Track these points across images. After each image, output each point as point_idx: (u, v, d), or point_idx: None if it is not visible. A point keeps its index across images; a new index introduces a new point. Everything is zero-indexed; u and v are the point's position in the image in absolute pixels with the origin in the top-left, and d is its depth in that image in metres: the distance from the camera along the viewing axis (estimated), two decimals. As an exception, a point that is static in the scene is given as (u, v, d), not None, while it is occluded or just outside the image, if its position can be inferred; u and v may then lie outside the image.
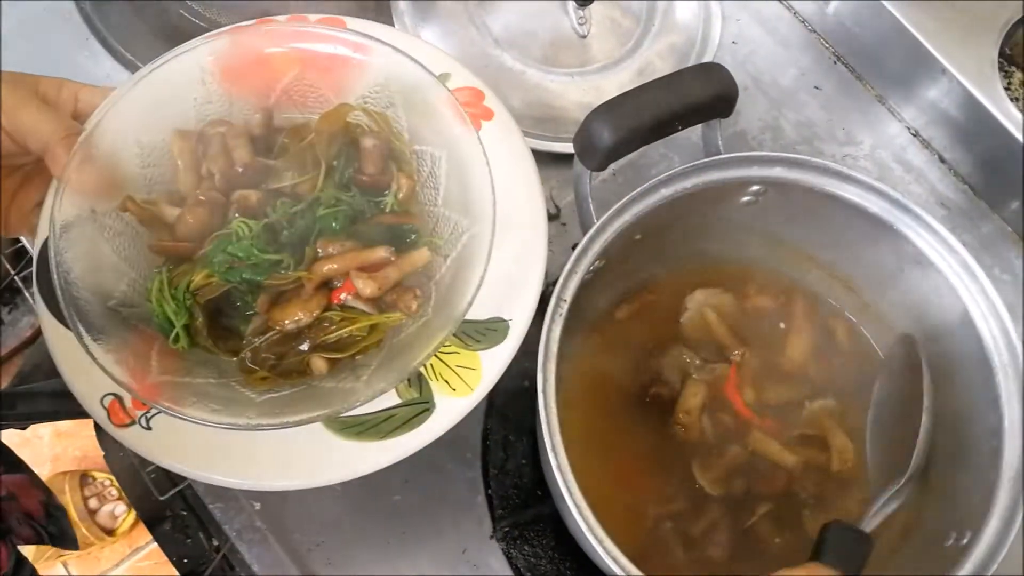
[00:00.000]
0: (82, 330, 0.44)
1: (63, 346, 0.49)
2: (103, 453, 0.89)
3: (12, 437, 1.41)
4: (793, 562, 0.48)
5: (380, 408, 0.49)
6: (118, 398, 0.49)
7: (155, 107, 0.52)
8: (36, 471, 1.42)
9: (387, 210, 0.52)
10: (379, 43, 0.51)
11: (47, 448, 1.46)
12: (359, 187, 0.53)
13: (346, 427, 0.48)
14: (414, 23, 0.73)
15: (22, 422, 0.96)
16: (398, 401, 0.49)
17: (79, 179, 0.47)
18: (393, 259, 0.49)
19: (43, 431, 1.46)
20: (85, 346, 0.44)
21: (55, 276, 0.45)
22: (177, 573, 0.78)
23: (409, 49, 0.51)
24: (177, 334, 0.48)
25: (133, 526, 1.36)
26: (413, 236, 0.52)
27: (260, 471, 0.48)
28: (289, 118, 0.55)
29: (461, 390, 0.49)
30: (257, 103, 0.55)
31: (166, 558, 0.79)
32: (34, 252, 0.50)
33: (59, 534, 0.90)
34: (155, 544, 1.19)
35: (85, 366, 0.44)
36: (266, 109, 0.54)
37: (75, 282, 0.46)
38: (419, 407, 0.49)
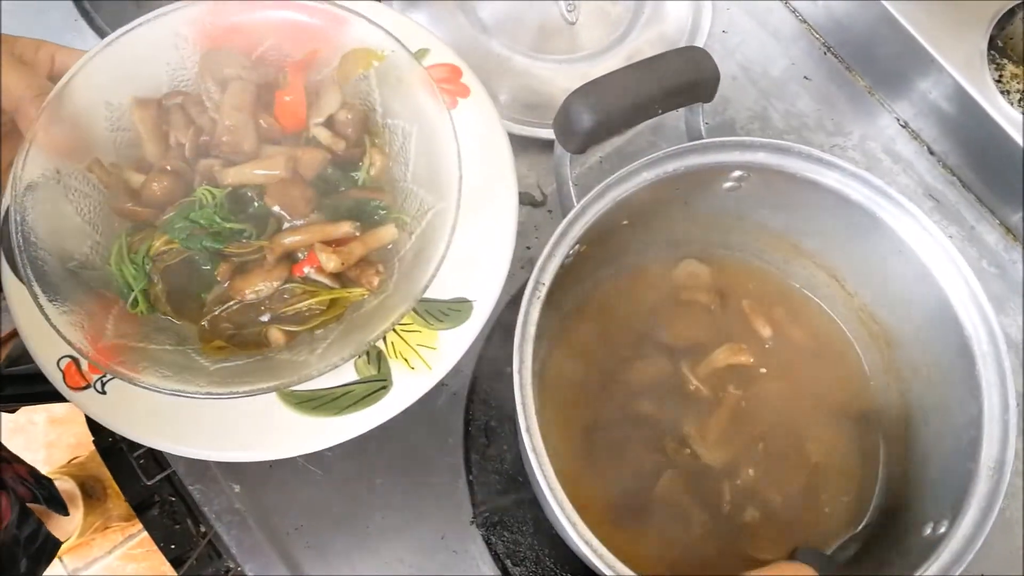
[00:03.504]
0: (37, 289, 0.44)
1: (24, 307, 0.48)
2: (92, 438, 0.89)
3: (6, 423, 1.42)
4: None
5: (337, 384, 0.48)
6: (74, 360, 0.48)
7: (127, 70, 0.51)
8: (30, 458, 1.43)
9: (360, 184, 0.52)
10: (355, 15, 0.51)
11: (41, 435, 1.47)
12: (333, 160, 0.52)
13: (302, 401, 0.48)
14: (403, 7, 0.73)
15: (9, 404, 0.96)
16: (356, 377, 0.49)
17: (46, 138, 0.47)
18: (358, 235, 0.49)
19: (37, 418, 1.46)
20: (39, 305, 0.44)
21: (14, 234, 0.45)
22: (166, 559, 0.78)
23: (389, 24, 0.51)
24: (136, 298, 0.48)
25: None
26: (382, 212, 0.51)
27: (212, 441, 0.47)
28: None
29: (420, 369, 0.49)
30: None
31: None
32: (0, 212, 0.50)
33: (50, 497, 0.91)
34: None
35: (44, 328, 0.44)
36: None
37: (36, 242, 0.45)
38: (377, 384, 0.49)
